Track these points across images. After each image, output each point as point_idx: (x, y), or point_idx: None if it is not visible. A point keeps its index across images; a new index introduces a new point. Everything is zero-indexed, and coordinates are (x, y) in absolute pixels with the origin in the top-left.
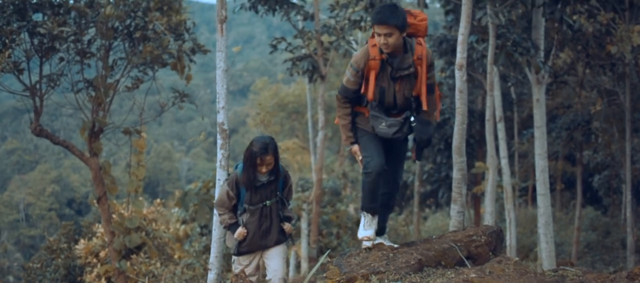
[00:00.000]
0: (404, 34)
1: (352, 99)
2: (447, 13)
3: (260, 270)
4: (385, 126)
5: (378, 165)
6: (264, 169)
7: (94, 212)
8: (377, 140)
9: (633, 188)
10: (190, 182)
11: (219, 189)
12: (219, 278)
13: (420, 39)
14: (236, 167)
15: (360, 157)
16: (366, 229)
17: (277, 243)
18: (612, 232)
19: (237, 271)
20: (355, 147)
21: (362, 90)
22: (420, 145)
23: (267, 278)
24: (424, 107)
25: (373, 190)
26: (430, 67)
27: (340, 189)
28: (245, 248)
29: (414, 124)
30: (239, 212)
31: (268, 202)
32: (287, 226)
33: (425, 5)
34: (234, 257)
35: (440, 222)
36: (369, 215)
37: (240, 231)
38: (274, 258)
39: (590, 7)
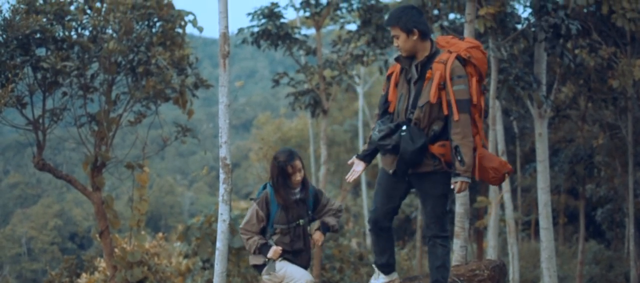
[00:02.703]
0: (414, 37)
1: (383, 113)
2: None
3: None
4: (376, 131)
5: (373, 220)
6: (298, 177)
7: (96, 246)
8: (387, 184)
9: (636, 221)
10: (193, 216)
11: (246, 214)
12: None
13: (457, 52)
14: (263, 188)
15: (351, 175)
16: (375, 280)
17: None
18: (616, 266)
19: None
20: (354, 160)
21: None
22: (400, 160)
23: None
24: (455, 117)
25: (376, 244)
26: (457, 78)
27: (343, 223)
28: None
29: (403, 133)
30: (267, 235)
31: (301, 221)
32: (317, 235)
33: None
34: (265, 277)
35: None
36: (378, 271)
37: (276, 249)
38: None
39: (592, 41)
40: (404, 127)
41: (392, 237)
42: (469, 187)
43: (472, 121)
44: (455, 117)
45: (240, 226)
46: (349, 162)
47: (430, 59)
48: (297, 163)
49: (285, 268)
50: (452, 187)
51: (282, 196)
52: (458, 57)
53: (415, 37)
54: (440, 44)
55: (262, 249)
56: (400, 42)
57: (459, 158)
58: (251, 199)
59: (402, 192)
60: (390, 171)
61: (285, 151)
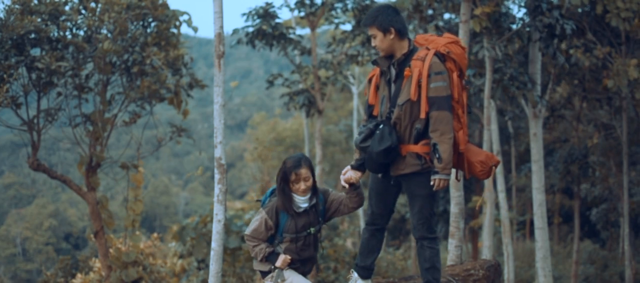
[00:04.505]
0: (391, 36)
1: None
2: None
3: None
4: (357, 134)
5: (370, 222)
6: (302, 186)
7: (91, 246)
8: (378, 187)
9: (631, 221)
10: (188, 216)
11: (253, 221)
12: None
13: (436, 49)
14: (270, 192)
15: (346, 181)
16: None
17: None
18: (610, 266)
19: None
20: (348, 170)
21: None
22: (368, 159)
23: None
24: (422, 115)
25: (366, 245)
26: (435, 75)
27: (337, 223)
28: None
29: (377, 133)
30: (275, 242)
31: (312, 230)
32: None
33: None
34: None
35: None
36: (356, 276)
37: (285, 258)
38: None
39: (587, 41)
40: (380, 126)
41: (382, 241)
42: (463, 187)
43: (456, 117)
44: (422, 114)
45: (247, 233)
46: (343, 171)
47: (408, 56)
48: (303, 171)
49: (291, 278)
50: (431, 183)
51: (281, 201)
52: (437, 53)
53: (392, 36)
54: (418, 42)
55: (270, 257)
56: (378, 41)
57: (436, 155)
58: (258, 200)
59: (394, 193)
60: (379, 175)
61: (295, 157)
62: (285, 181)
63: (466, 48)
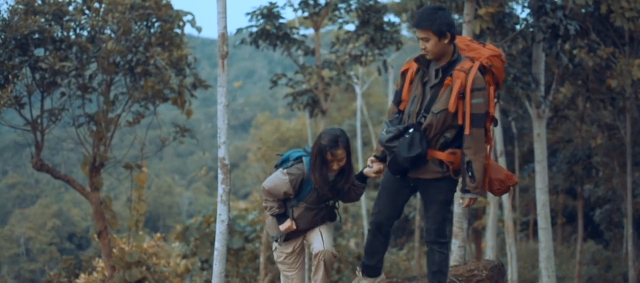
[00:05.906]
0: (446, 41)
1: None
2: None
3: (305, 249)
4: (384, 132)
5: (375, 223)
6: (335, 166)
7: (94, 246)
8: (392, 188)
9: (635, 222)
10: (192, 216)
11: (274, 178)
12: None
13: (480, 61)
14: (297, 157)
15: (371, 171)
16: None
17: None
18: (614, 266)
19: (280, 259)
20: (372, 159)
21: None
22: (393, 162)
23: (314, 252)
24: (467, 131)
25: (370, 245)
26: (477, 91)
27: (341, 224)
28: (291, 236)
29: (407, 137)
30: (290, 204)
31: (331, 203)
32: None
33: None
34: (275, 244)
35: None
36: (361, 276)
37: (289, 225)
38: (318, 234)
39: (591, 41)
40: (410, 131)
41: (388, 241)
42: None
43: (485, 131)
44: (467, 131)
45: (265, 186)
46: (370, 162)
47: (451, 64)
48: (340, 152)
49: (291, 270)
50: (460, 202)
51: (318, 179)
52: (480, 67)
53: (446, 41)
54: (460, 47)
55: (279, 218)
56: (430, 45)
57: (470, 174)
58: (281, 164)
59: (406, 197)
60: (398, 175)
61: (332, 133)
62: (322, 158)
63: (505, 62)
